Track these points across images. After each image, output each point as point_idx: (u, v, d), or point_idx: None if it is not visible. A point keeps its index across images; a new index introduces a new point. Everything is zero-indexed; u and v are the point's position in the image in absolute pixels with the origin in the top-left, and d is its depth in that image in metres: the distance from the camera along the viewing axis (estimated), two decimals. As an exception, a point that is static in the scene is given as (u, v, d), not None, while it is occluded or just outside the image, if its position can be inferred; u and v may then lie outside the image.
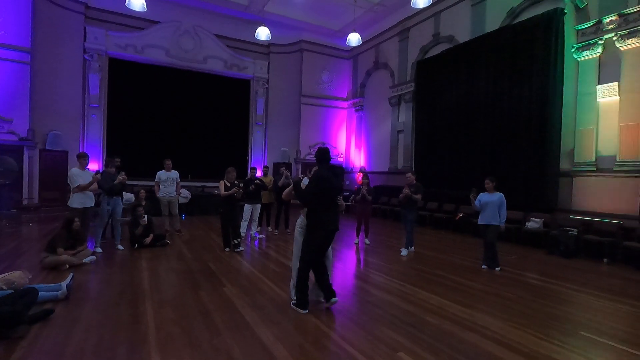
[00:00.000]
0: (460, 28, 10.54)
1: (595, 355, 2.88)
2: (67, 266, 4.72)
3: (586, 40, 7.47)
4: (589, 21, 7.43)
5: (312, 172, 3.98)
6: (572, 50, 7.70)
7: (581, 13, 7.63)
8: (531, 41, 8.21)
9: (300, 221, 3.86)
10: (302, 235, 3.80)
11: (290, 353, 2.72)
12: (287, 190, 4.00)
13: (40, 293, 3.36)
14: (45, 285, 3.69)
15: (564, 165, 7.86)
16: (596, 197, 7.26)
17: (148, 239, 6.18)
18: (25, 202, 10.27)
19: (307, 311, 3.57)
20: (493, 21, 9.58)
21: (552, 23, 7.82)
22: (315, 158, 4.00)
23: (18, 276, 3.48)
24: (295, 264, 3.82)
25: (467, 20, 10.34)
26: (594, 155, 7.39)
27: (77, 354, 2.60)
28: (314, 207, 3.70)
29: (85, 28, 11.78)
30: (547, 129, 7.85)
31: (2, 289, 3.32)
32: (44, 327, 3.02)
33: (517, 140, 8.48)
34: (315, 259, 3.70)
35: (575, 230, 6.80)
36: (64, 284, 3.67)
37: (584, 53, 7.53)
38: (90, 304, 3.62)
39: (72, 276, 3.91)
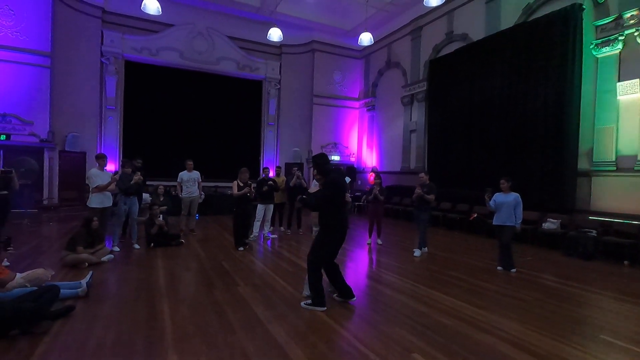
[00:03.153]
0: (474, 26, 10.39)
1: (616, 360, 2.81)
2: (87, 264, 4.85)
3: (606, 36, 7.27)
4: (609, 17, 7.23)
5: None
6: (591, 47, 7.51)
7: (600, 8, 7.44)
8: (548, 38, 8.03)
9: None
10: None
11: (304, 352, 2.74)
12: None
13: (61, 290, 3.46)
14: (66, 282, 3.81)
15: (582, 164, 7.66)
16: (616, 198, 7.06)
17: (154, 229, 6.28)
18: (45, 202, 10.58)
19: (325, 308, 3.63)
20: (508, 18, 9.41)
21: (569, 19, 7.63)
22: (316, 164, 3.92)
23: (41, 273, 3.58)
24: None
25: (481, 18, 10.19)
26: (614, 154, 7.19)
27: (97, 349, 2.68)
28: (329, 210, 3.73)
29: (102, 32, 12.06)
30: (565, 127, 7.67)
31: (25, 286, 3.43)
32: (66, 323, 3.12)
33: (533, 139, 8.31)
34: (328, 259, 3.76)
35: (594, 231, 6.63)
36: (84, 281, 3.78)
37: (604, 49, 7.33)
38: (109, 301, 3.71)
39: (92, 274, 4.02)
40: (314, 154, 4.10)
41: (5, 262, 4.55)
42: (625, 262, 6.15)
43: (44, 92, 10.72)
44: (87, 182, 5.71)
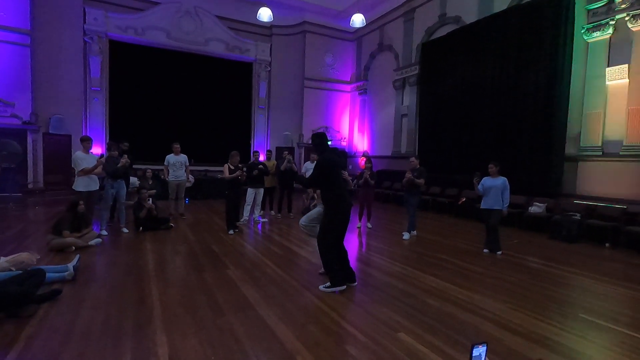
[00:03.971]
0: (467, 8, 10.26)
1: (594, 337, 2.91)
2: (73, 248, 4.79)
3: (597, 20, 7.26)
4: (601, 0, 7.20)
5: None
6: (582, 32, 7.50)
7: (593, -8, 7.39)
8: (540, 22, 7.99)
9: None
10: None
11: (293, 333, 2.78)
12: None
13: (47, 274, 3.43)
14: (53, 266, 3.76)
15: (570, 149, 7.77)
16: (601, 182, 7.21)
17: (143, 212, 6.22)
18: (30, 186, 10.36)
19: (344, 287, 3.75)
20: (501, 1, 9.30)
21: (562, 2, 7.58)
22: (314, 144, 4.02)
23: (26, 257, 3.54)
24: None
25: (474, 0, 10.05)
26: (600, 139, 7.29)
27: (85, 332, 2.67)
28: (327, 188, 3.82)
29: (84, 9, 11.58)
30: (554, 112, 7.73)
31: (10, 270, 3.39)
32: (52, 306, 3.10)
33: (522, 124, 8.37)
34: (336, 240, 3.85)
35: (578, 215, 6.79)
36: (70, 265, 3.74)
37: (594, 34, 7.33)
38: (97, 284, 3.69)
39: (79, 258, 3.98)
40: (313, 134, 4.15)
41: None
42: (607, 245, 6.34)
43: (25, 72, 10.33)
44: (72, 165, 5.59)
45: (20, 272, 3.34)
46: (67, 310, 3.03)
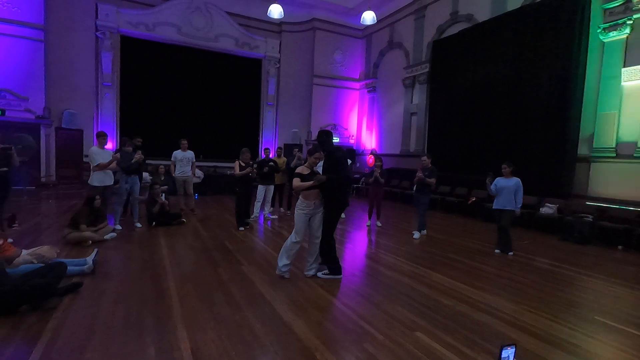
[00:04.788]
0: (480, 6, 10.17)
1: (610, 340, 2.91)
2: (90, 242, 4.88)
3: (614, 20, 7.16)
4: (618, 0, 7.10)
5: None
6: (598, 31, 7.40)
7: (610, -9, 7.29)
8: (555, 20, 7.91)
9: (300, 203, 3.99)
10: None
11: (310, 329, 2.82)
12: (303, 184, 3.84)
13: (68, 267, 3.50)
14: (72, 259, 3.84)
15: (582, 150, 7.70)
16: (614, 184, 7.15)
17: (156, 207, 6.31)
18: (43, 179, 10.53)
19: (342, 276, 4.08)
20: (515, -1, 9.21)
21: (577, 1, 7.49)
22: (322, 142, 4.10)
23: (47, 250, 3.62)
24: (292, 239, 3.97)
25: (488, -2, 9.96)
26: (614, 140, 7.22)
27: (107, 325, 2.74)
28: (340, 186, 3.96)
29: (96, 5, 11.67)
30: (567, 112, 7.67)
31: (32, 263, 3.47)
32: (74, 299, 3.17)
33: (534, 124, 8.31)
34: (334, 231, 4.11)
35: (590, 216, 6.74)
36: (89, 258, 3.81)
37: (611, 34, 7.24)
38: (116, 278, 3.76)
39: (97, 251, 4.05)
40: (320, 130, 4.25)
41: (9, 239, 4.56)
42: (619, 247, 6.29)
43: (39, 67, 10.49)
44: (88, 160, 5.67)
45: (42, 265, 3.42)
46: (89, 304, 3.09)
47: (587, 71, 7.52)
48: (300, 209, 3.91)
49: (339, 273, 4.08)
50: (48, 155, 10.81)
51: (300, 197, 3.95)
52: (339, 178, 3.90)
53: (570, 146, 7.68)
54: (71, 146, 11.20)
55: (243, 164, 6.49)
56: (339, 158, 4.01)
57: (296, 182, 3.85)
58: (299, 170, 3.94)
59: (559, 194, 7.73)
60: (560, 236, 6.92)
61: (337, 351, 2.53)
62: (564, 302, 3.72)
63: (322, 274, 4.06)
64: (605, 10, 7.30)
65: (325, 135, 4.12)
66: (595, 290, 4.17)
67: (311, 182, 3.76)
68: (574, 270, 4.91)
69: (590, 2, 7.40)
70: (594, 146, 7.53)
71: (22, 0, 10.17)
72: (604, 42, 7.40)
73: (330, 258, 4.06)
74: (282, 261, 3.94)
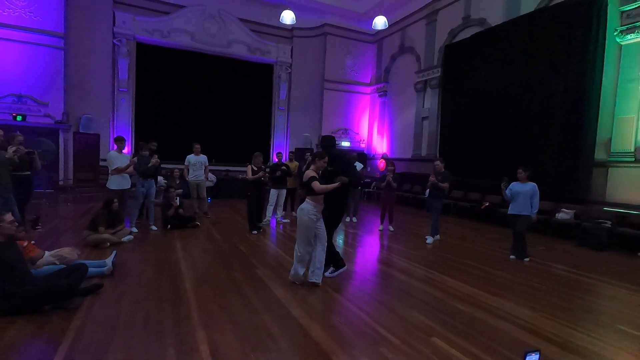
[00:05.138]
0: (493, 10, 10.11)
1: (633, 349, 2.85)
2: (108, 244, 4.99)
3: (631, 22, 7.04)
4: (636, 2, 6.99)
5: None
6: (615, 34, 7.29)
7: (627, -7, 7.18)
8: (570, 24, 7.81)
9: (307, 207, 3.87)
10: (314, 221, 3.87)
11: (327, 333, 2.83)
12: (329, 186, 3.80)
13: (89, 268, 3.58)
14: (92, 261, 3.93)
15: (599, 155, 7.56)
16: (633, 189, 6.99)
17: (171, 211, 6.43)
18: (61, 183, 10.79)
19: (346, 266, 4.25)
20: (529, 2, 9.12)
21: (594, 4, 7.39)
22: (328, 146, 4.21)
23: (68, 252, 3.72)
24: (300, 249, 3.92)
25: (501, 2, 9.90)
26: (633, 145, 7.07)
27: (128, 325, 2.79)
28: (346, 190, 4.03)
29: (114, 13, 11.99)
30: (583, 116, 7.54)
31: (54, 264, 3.56)
32: (95, 299, 3.24)
33: (549, 128, 8.19)
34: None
35: (608, 222, 6.60)
36: (109, 260, 3.90)
37: (628, 37, 7.12)
38: (134, 280, 3.83)
39: (116, 253, 4.14)
40: (323, 136, 4.39)
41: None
42: (639, 254, 6.14)
43: (58, 74, 10.79)
44: (106, 164, 5.82)
45: (64, 266, 3.51)
46: (110, 304, 3.16)
47: (604, 74, 7.39)
48: (313, 214, 3.80)
49: (344, 264, 4.22)
50: (66, 159, 11.09)
51: (311, 202, 3.82)
52: (356, 179, 4.05)
53: (587, 151, 7.54)
54: (88, 150, 11.46)
55: (255, 168, 6.54)
56: (348, 161, 4.12)
57: (317, 185, 3.73)
58: (312, 174, 3.82)
59: (576, 200, 7.59)
60: (577, 242, 6.78)
61: (354, 355, 2.54)
62: (583, 309, 3.65)
63: (329, 273, 4.13)
64: (622, 12, 7.19)
65: (330, 140, 4.25)
66: (615, 298, 4.08)
67: (337, 184, 3.73)
68: (592, 277, 4.81)
69: (607, 4, 7.30)
70: (611, 151, 7.39)
71: (43, 10, 10.51)
72: (621, 45, 7.28)
73: (332, 255, 4.16)
74: (302, 270, 3.94)
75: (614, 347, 2.86)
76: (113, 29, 12.00)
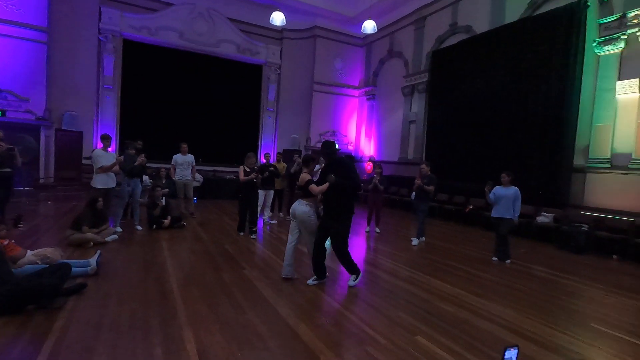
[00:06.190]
0: (479, 18, 10.38)
1: (608, 347, 2.98)
2: (92, 244, 4.89)
3: (609, 34, 7.35)
4: (613, 15, 7.30)
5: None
6: (594, 45, 7.59)
7: (605, 6, 7.49)
8: (552, 34, 8.08)
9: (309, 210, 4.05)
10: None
11: (314, 332, 2.86)
12: (321, 187, 3.95)
13: (72, 268, 3.52)
14: (76, 261, 3.85)
15: (578, 160, 7.84)
16: (609, 194, 7.27)
17: (167, 221, 6.34)
18: (42, 181, 10.50)
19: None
20: (513, 12, 9.41)
21: (574, 16, 7.68)
22: (327, 150, 4.16)
23: (51, 252, 3.64)
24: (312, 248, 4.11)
25: (486, 11, 10.17)
26: (609, 152, 7.36)
27: (114, 325, 2.76)
28: (353, 194, 4.05)
29: (100, 8, 11.77)
30: (563, 123, 7.81)
31: (37, 263, 3.49)
32: (79, 299, 3.18)
33: (531, 134, 8.44)
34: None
35: (586, 226, 6.84)
36: (93, 260, 3.83)
37: (606, 48, 7.42)
38: (119, 280, 3.78)
39: (100, 253, 4.07)
40: (325, 141, 4.34)
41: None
42: (615, 257, 6.39)
43: (41, 69, 10.52)
44: (88, 162, 5.72)
45: (46, 265, 3.44)
46: (94, 304, 3.11)
47: (583, 84, 7.68)
48: (312, 214, 4.05)
49: (360, 271, 4.16)
50: (47, 156, 10.80)
51: (309, 202, 4.04)
52: (355, 183, 3.99)
53: (567, 157, 7.81)
54: (71, 148, 11.19)
55: (248, 169, 6.43)
56: (349, 165, 4.12)
57: (314, 187, 3.96)
58: (308, 177, 4.08)
59: (556, 204, 7.84)
60: (556, 245, 7.01)
61: (341, 354, 2.57)
62: (561, 309, 3.78)
63: (353, 281, 4.05)
64: (600, 24, 7.49)
65: (331, 146, 4.21)
66: (592, 299, 4.24)
67: (326, 185, 3.87)
68: (571, 278, 4.99)
69: (586, 16, 7.59)
70: (589, 157, 7.67)
71: (26, 3, 10.24)
72: (599, 56, 7.58)
73: (352, 264, 4.08)
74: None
75: (589, 344, 2.98)
76: (99, 25, 11.77)
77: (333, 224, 3.97)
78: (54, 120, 10.90)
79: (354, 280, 4.06)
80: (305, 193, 4.05)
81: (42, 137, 10.66)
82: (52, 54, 10.80)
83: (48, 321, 2.75)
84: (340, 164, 4.08)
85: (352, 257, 4.10)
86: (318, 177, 4.20)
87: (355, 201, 4.14)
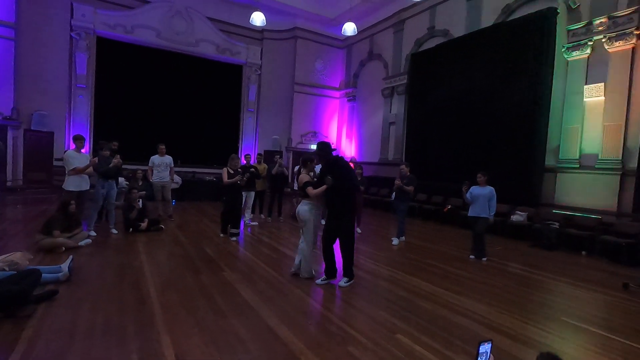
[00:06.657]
0: (456, 22, 10.65)
1: (576, 339, 3.12)
2: (64, 249, 4.71)
3: (576, 40, 7.70)
4: (580, 22, 7.65)
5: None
6: (563, 50, 7.93)
7: (573, 14, 7.84)
8: (524, 39, 8.39)
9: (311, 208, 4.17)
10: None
11: (295, 334, 2.85)
12: (319, 190, 4.05)
13: (42, 274, 3.37)
14: (46, 267, 3.70)
15: (549, 161, 8.17)
16: (578, 193, 7.61)
17: (144, 224, 6.18)
18: (9, 184, 10.02)
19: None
20: (488, 17, 9.72)
21: (545, 22, 8.00)
22: (322, 152, 4.23)
23: (19, 257, 3.47)
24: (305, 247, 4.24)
25: (463, 15, 10.46)
26: (578, 152, 7.70)
27: (87, 333, 2.67)
28: (350, 193, 4.12)
29: (72, 4, 11.35)
30: (536, 125, 8.12)
31: (4, 270, 3.32)
32: (50, 306, 3.06)
33: (506, 135, 8.73)
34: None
35: (557, 224, 7.13)
36: (64, 265, 3.69)
37: (574, 53, 7.77)
38: (93, 285, 3.65)
39: (72, 258, 3.92)
40: (319, 142, 4.48)
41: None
42: (583, 253, 6.69)
43: (8, 67, 10.06)
44: (61, 164, 5.49)
45: (14, 272, 3.29)
46: (66, 311, 3.00)
47: (553, 87, 8.01)
48: (314, 214, 4.19)
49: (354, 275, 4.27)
50: (15, 158, 10.32)
51: (310, 202, 4.15)
52: (352, 184, 4.10)
53: (539, 157, 8.12)
54: (41, 149, 10.73)
55: (232, 171, 6.29)
56: (345, 166, 4.19)
57: (311, 190, 4.07)
58: (306, 179, 4.18)
59: (529, 203, 8.13)
60: (530, 242, 7.27)
61: (322, 354, 2.58)
62: (535, 304, 3.93)
63: (345, 283, 4.11)
64: (569, 31, 7.84)
65: (327, 147, 4.28)
66: (563, 293, 4.43)
67: (324, 186, 3.97)
68: (543, 274, 5.19)
69: (556, 23, 7.93)
70: (560, 157, 8.00)
71: (-8, -3, 9.77)
72: (568, 61, 7.93)
73: (352, 266, 4.19)
74: (313, 266, 4.32)
75: (559, 337, 3.11)
76: (71, 22, 11.36)
77: (339, 224, 4.08)
78: (22, 120, 10.43)
79: (345, 282, 4.11)
80: (305, 193, 4.16)
81: (10, 138, 10.18)
82: (21, 51, 10.34)
83: (16, 330, 2.63)
84: (336, 164, 4.13)
85: (335, 258, 4.16)
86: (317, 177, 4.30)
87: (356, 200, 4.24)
